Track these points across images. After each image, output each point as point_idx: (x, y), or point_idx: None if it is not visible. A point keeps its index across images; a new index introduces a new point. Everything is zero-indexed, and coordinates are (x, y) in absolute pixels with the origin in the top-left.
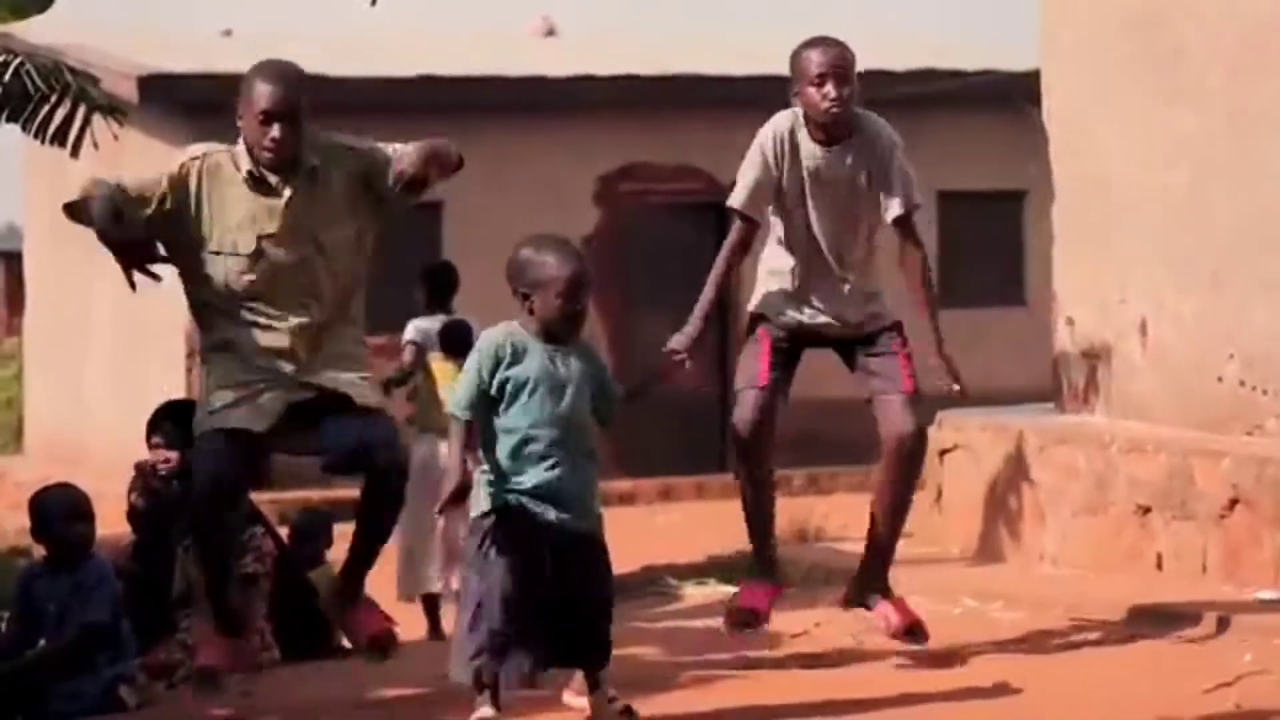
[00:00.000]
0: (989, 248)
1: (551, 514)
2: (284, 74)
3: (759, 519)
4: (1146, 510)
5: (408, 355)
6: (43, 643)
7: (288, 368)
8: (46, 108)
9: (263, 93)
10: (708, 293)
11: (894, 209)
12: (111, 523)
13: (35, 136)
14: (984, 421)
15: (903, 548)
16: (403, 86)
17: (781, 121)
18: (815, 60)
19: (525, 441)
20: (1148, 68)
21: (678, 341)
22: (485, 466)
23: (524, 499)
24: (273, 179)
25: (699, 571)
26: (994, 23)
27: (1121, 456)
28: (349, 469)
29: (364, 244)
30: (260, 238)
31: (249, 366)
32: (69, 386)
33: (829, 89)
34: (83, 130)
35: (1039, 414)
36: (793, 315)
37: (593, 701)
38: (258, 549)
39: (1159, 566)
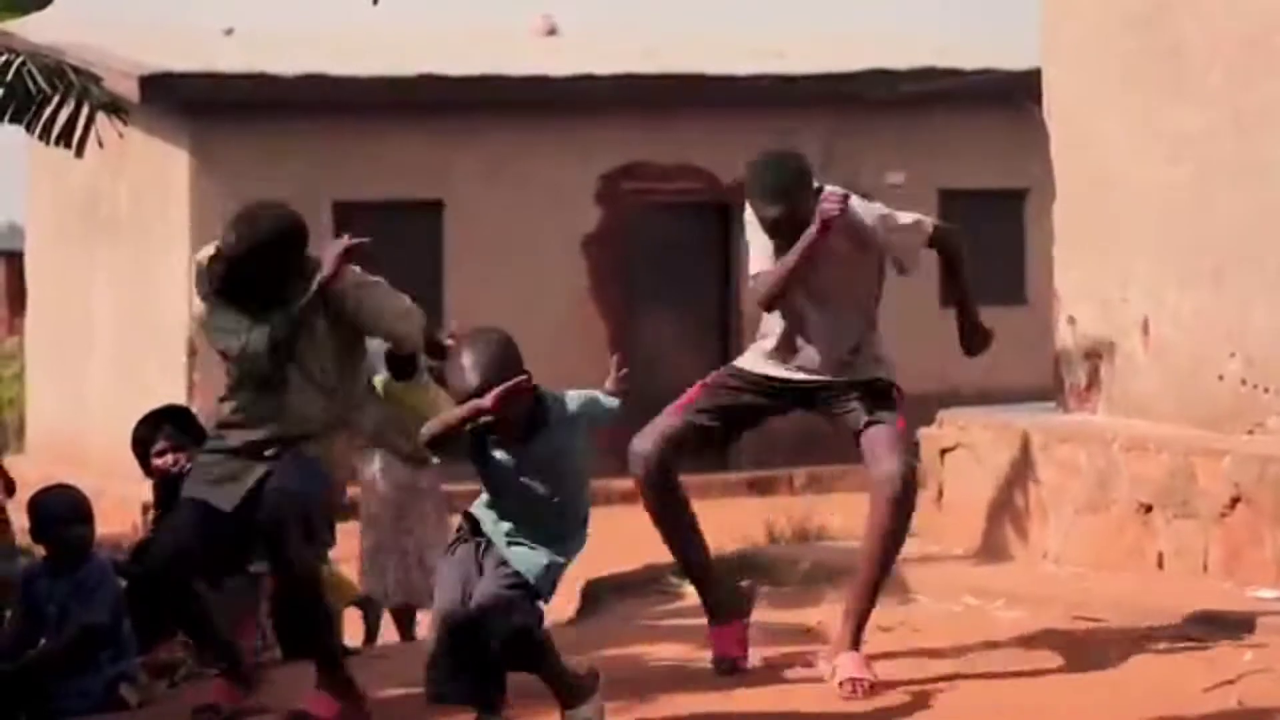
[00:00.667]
0: (990, 246)
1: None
2: (246, 235)
3: (689, 563)
4: (1148, 509)
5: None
6: (43, 643)
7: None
8: (49, 107)
9: (223, 240)
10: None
11: (909, 266)
12: (113, 521)
13: (38, 136)
14: (986, 420)
15: (905, 546)
16: (404, 85)
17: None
18: (764, 212)
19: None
20: (1149, 65)
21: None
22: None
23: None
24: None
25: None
26: (995, 21)
27: (1123, 455)
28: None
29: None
30: (243, 347)
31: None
32: (71, 386)
33: (778, 240)
34: (86, 129)
35: (1041, 412)
36: (767, 368)
37: None
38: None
39: (1160, 565)
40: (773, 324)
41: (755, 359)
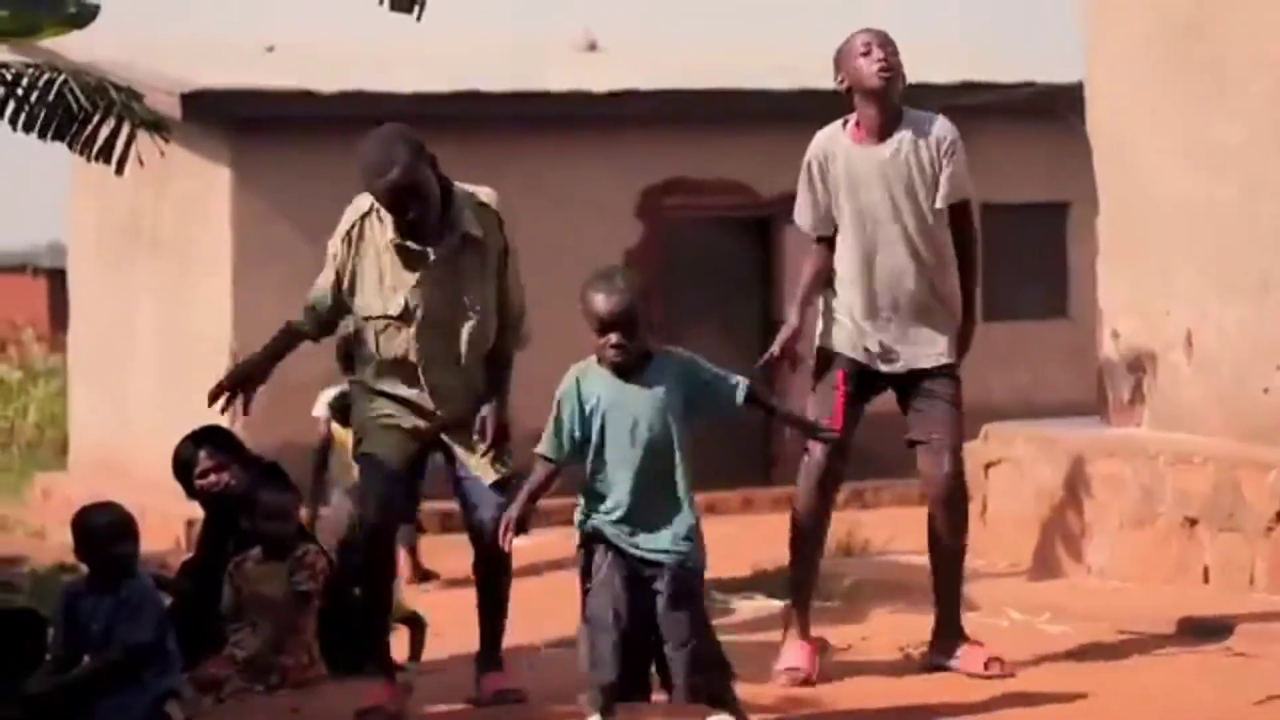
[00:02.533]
0: (1032, 260)
1: (632, 543)
2: (393, 149)
3: (808, 575)
4: (1194, 522)
5: (321, 429)
6: (86, 660)
7: (421, 424)
8: (91, 125)
9: (380, 176)
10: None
11: (939, 200)
12: (157, 538)
13: (80, 153)
14: (1030, 434)
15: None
16: (445, 101)
17: (820, 136)
18: (860, 38)
19: (606, 475)
20: (1191, 78)
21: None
22: (580, 491)
23: (610, 528)
24: (416, 247)
25: (746, 586)
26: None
27: (1168, 468)
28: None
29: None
30: (404, 301)
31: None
32: (113, 402)
33: (875, 53)
34: (127, 147)
35: (1085, 426)
36: (858, 350)
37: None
38: (311, 566)
39: (1206, 579)
40: (843, 280)
41: (843, 337)
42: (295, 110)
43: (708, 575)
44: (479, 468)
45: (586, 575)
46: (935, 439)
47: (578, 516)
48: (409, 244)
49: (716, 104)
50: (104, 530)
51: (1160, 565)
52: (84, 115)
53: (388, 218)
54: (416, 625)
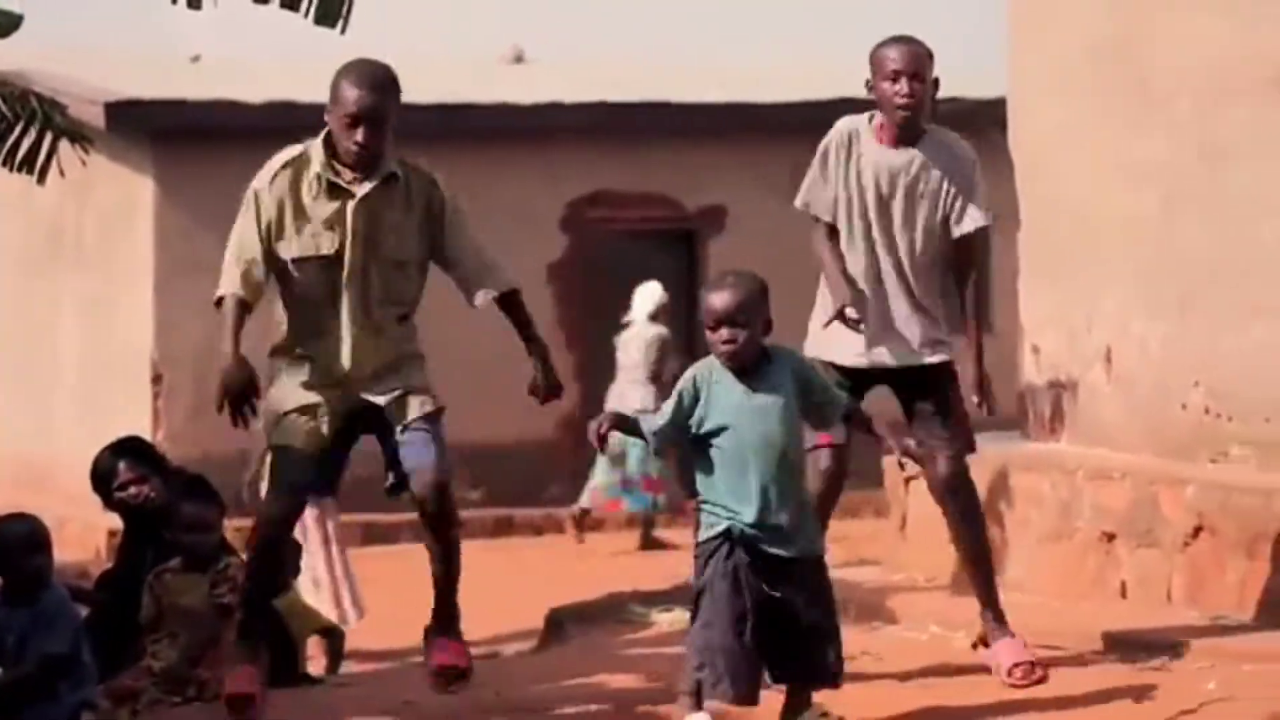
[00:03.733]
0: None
1: (764, 540)
2: (374, 78)
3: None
4: (1111, 537)
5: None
6: (2, 673)
7: (346, 381)
8: (13, 135)
9: (350, 96)
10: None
11: (966, 223)
12: (78, 549)
13: (2, 164)
14: None
15: (869, 575)
16: None
17: (845, 124)
18: (891, 56)
19: (730, 471)
20: (1115, 95)
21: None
22: (703, 495)
23: (742, 526)
24: (346, 178)
25: (666, 599)
26: (961, 50)
27: (1087, 484)
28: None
29: (422, 274)
30: (337, 240)
31: (310, 384)
32: (36, 413)
33: (902, 85)
34: (49, 157)
35: (1005, 441)
36: (851, 356)
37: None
38: (232, 579)
39: (1124, 594)
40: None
41: (836, 343)
42: (220, 121)
43: (630, 589)
44: (409, 410)
45: (703, 572)
46: (936, 441)
47: (705, 519)
48: (338, 179)
49: (642, 117)
50: (17, 542)
51: (1078, 580)
52: (5, 125)
53: (317, 154)
54: (333, 637)
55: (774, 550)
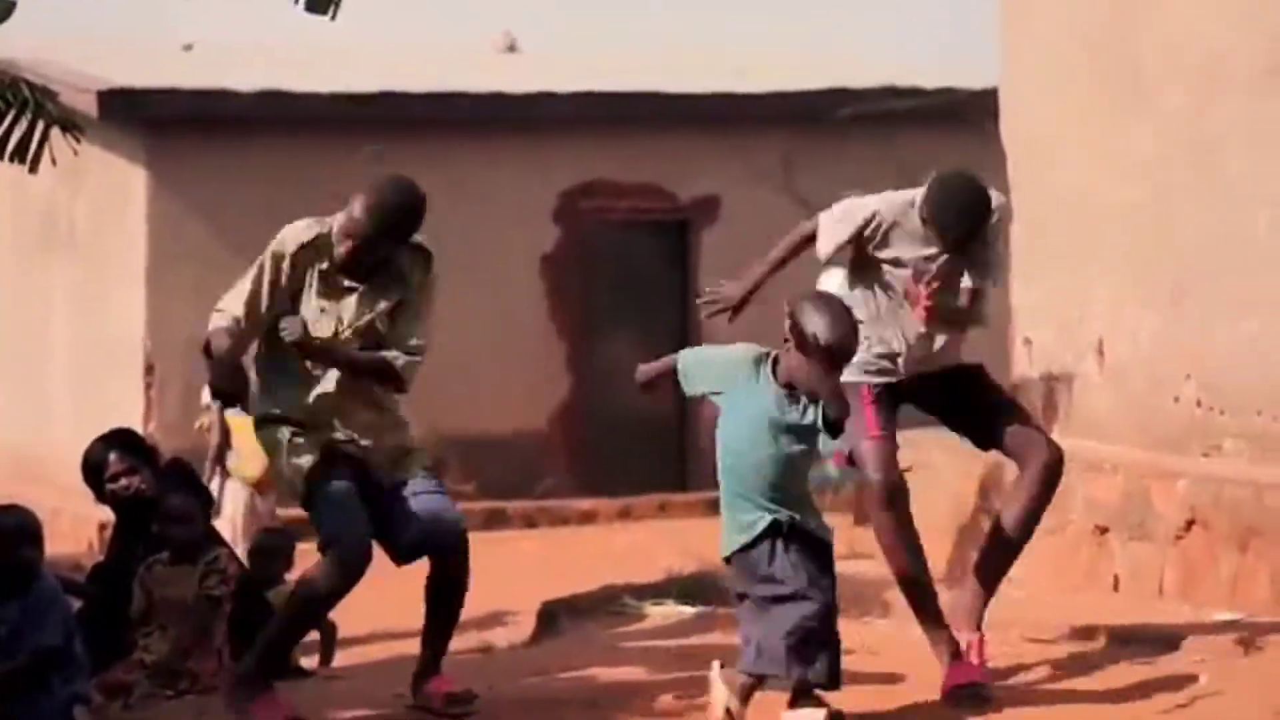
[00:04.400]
0: None
1: (810, 528)
2: (385, 210)
3: (927, 585)
4: (1104, 531)
5: (213, 418)
6: None
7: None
8: (4, 124)
9: (352, 216)
10: (761, 267)
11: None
12: (70, 540)
13: None
14: (942, 441)
15: (863, 569)
16: (364, 102)
17: (890, 210)
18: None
19: (744, 478)
20: (1108, 86)
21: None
22: (727, 501)
23: (791, 518)
24: (347, 281)
25: (659, 591)
26: (954, 41)
27: (1079, 477)
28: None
29: None
30: (334, 327)
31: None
32: (28, 403)
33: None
34: (41, 146)
35: None
36: (879, 371)
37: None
38: (222, 571)
39: (1116, 587)
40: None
41: (865, 359)
42: (213, 110)
43: (623, 582)
44: (409, 472)
45: (770, 565)
46: (1025, 424)
47: (736, 527)
48: (341, 278)
49: (635, 107)
50: (8, 533)
51: (1071, 573)
52: None
53: (326, 247)
54: (326, 630)
55: (818, 534)
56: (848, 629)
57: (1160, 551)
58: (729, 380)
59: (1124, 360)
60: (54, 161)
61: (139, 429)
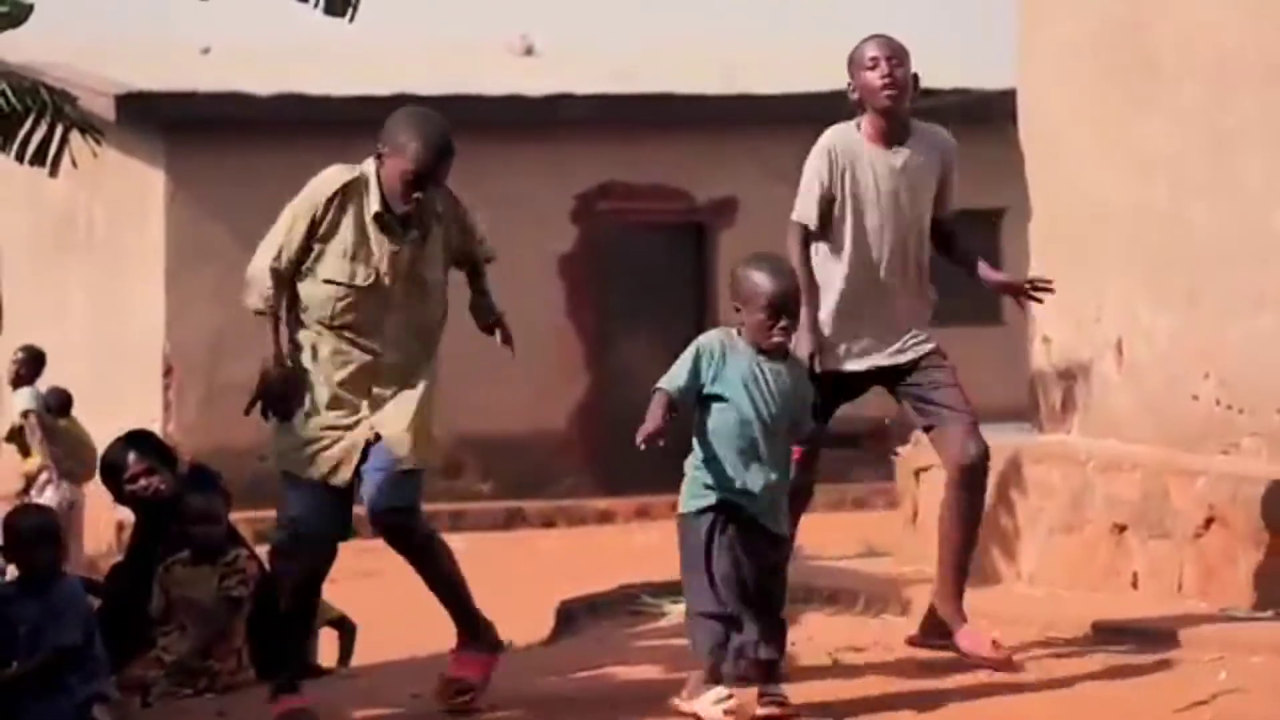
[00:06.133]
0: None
1: (758, 516)
2: (440, 139)
3: None
4: (1122, 529)
5: (34, 421)
6: (15, 665)
7: (363, 409)
8: (24, 128)
9: (412, 152)
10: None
11: (946, 208)
12: (88, 541)
13: (14, 157)
14: None
15: (880, 566)
16: (381, 104)
17: (835, 135)
18: (867, 50)
19: (729, 442)
20: (1123, 84)
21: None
22: (697, 462)
23: (735, 497)
24: (396, 222)
25: (677, 590)
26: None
27: (1098, 475)
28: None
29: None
30: (375, 274)
31: (329, 416)
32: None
33: (882, 68)
34: (60, 149)
35: (1015, 432)
36: (838, 359)
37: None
38: (242, 571)
39: (1135, 585)
40: (830, 282)
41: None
42: (230, 112)
43: (641, 580)
44: (398, 441)
45: (706, 543)
46: (956, 414)
47: (698, 489)
48: (390, 218)
49: (652, 109)
50: (29, 534)
51: (1089, 571)
52: (16, 117)
53: (374, 190)
54: (345, 628)
55: (767, 524)
56: (865, 626)
57: (1179, 549)
58: (711, 365)
59: (1142, 358)
60: (74, 164)
61: (157, 430)
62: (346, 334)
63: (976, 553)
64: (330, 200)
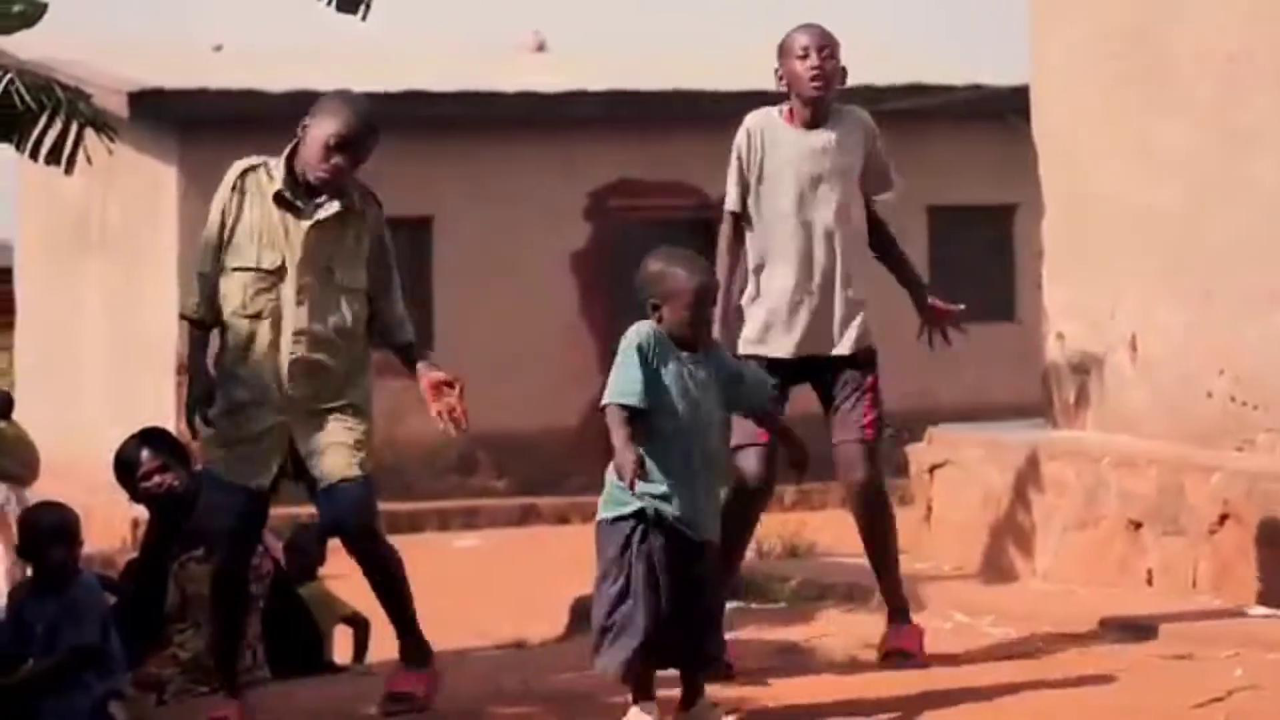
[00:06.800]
0: (979, 262)
1: (677, 521)
2: (367, 112)
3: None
4: (1137, 525)
5: None
6: (31, 662)
7: (279, 411)
8: (38, 125)
9: (341, 118)
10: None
11: (877, 189)
12: (102, 538)
13: (28, 154)
14: (974, 437)
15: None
16: (394, 101)
17: (755, 117)
18: (800, 39)
19: (656, 446)
20: (1137, 82)
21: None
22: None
23: (655, 504)
24: (301, 201)
25: None
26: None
27: (1112, 471)
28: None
29: (363, 296)
30: (281, 258)
31: (248, 415)
32: (60, 402)
33: (812, 59)
34: (75, 147)
35: (1030, 429)
36: (780, 348)
37: (694, 712)
38: (256, 568)
39: (1149, 581)
40: (767, 278)
41: (765, 336)
42: (243, 110)
43: None
44: (334, 465)
45: (621, 552)
46: (848, 443)
47: (616, 494)
48: (294, 199)
49: (665, 105)
50: (44, 531)
51: (1104, 568)
52: (30, 115)
53: (278, 173)
54: (360, 625)
55: (690, 533)
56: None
57: (1194, 546)
58: (653, 360)
59: (1156, 355)
60: (89, 161)
61: (171, 427)
62: (260, 323)
63: (990, 550)
64: (233, 188)
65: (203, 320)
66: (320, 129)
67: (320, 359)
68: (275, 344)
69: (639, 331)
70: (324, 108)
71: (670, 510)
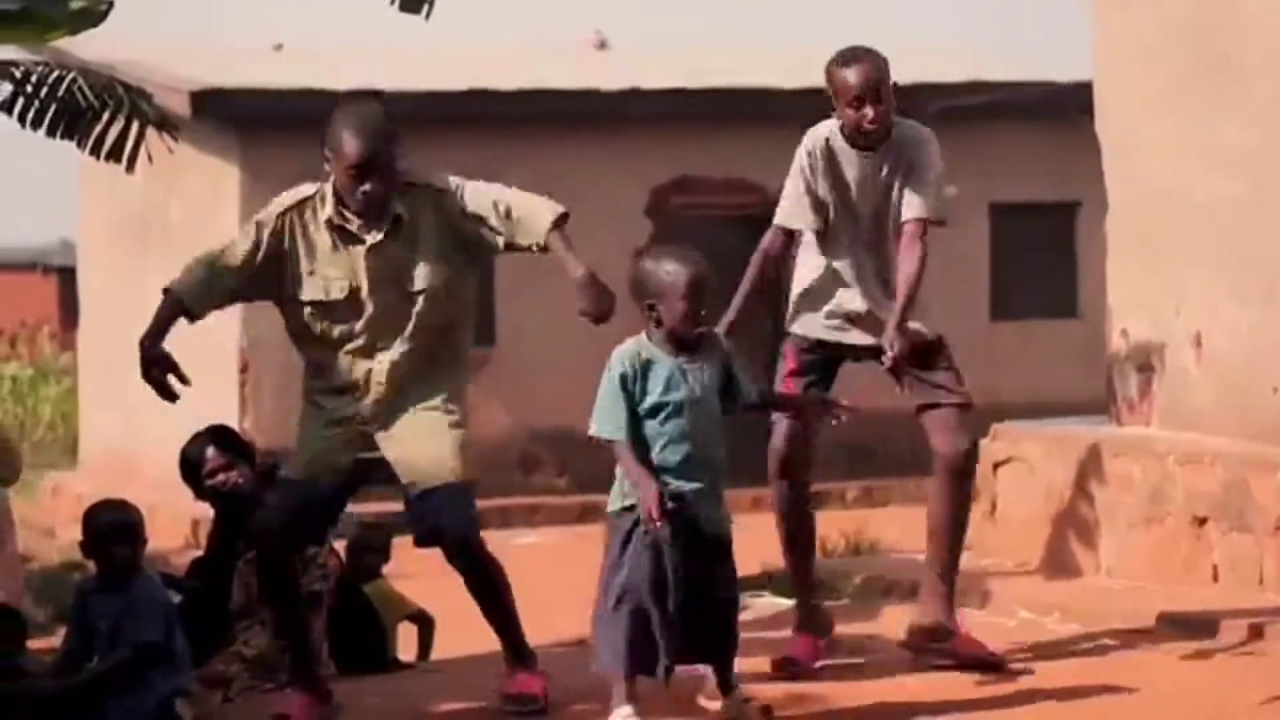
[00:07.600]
0: (1042, 259)
1: (685, 516)
2: (372, 126)
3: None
4: (1203, 521)
5: None
6: (96, 660)
7: (365, 423)
8: (100, 124)
9: (351, 149)
10: (737, 299)
11: (909, 210)
12: (165, 536)
13: (90, 152)
14: (1039, 433)
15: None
16: (455, 100)
17: (819, 132)
18: (850, 81)
19: (658, 449)
20: (1200, 78)
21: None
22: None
23: (669, 501)
24: (354, 225)
25: (756, 584)
26: (1046, 33)
27: (1178, 468)
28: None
29: (461, 285)
30: (348, 284)
31: (328, 423)
32: (123, 401)
33: (867, 111)
34: (137, 145)
35: (1094, 425)
36: (827, 331)
37: (727, 704)
38: (322, 566)
39: (1214, 578)
40: (819, 275)
41: (812, 318)
42: (304, 109)
43: None
44: (426, 468)
45: (624, 545)
46: (950, 406)
47: (624, 487)
48: (347, 225)
49: (726, 103)
50: (105, 529)
51: (1169, 564)
52: (93, 114)
53: (329, 200)
54: (424, 623)
55: (700, 526)
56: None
57: (1259, 543)
58: (635, 384)
59: (1221, 352)
60: (150, 159)
61: (234, 425)
62: (342, 349)
63: (1055, 547)
64: (281, 218)
65: (189, 310)
66: (339, 161)
67: (406, 371)
68: (360, 367)
69: (620, 358)
70: (333, 137)
71: (674, 505)
